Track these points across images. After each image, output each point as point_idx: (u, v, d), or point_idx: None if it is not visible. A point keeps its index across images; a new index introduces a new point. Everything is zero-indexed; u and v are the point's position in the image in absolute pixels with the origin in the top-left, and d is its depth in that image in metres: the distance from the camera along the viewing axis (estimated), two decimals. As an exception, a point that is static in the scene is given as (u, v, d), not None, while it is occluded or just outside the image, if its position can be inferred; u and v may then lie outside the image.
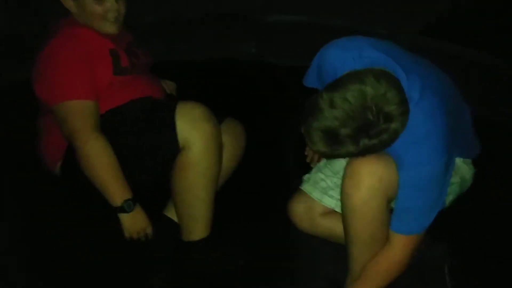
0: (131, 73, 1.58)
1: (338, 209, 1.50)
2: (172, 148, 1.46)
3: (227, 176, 1.71)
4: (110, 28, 1.56)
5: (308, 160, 1.82)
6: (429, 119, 1.22)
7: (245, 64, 2.53)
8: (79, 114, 1.46)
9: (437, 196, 1.29)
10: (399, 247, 1.33)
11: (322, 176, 1.55)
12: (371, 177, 1.27)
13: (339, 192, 1.47)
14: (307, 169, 1.64)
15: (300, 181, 1.60)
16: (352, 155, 1.19)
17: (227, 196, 1.71)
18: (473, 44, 2.45)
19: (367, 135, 1.11)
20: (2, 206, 1.78)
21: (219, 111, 1.67)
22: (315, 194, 1.53)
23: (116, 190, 1.47)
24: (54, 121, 1.52)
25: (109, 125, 1.51)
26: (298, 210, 1.55)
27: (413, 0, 2.70)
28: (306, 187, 1.56)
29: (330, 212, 1.53)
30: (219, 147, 1.52)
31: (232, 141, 1.67)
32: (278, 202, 1.64)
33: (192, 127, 1.45)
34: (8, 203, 1.80)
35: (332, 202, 1.52)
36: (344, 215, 1.37)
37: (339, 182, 1.50)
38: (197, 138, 1.44)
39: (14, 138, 1.93)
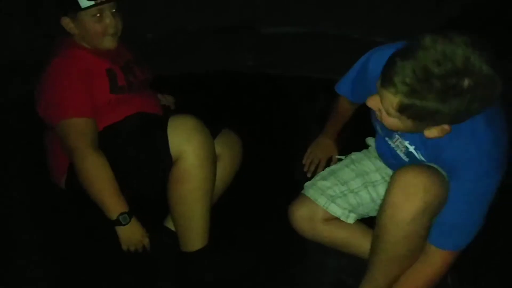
0: (128, 91, 1.59)
1: (344, 218, 1.49)
2: (166, 161, 1.45)
3: (224, 187, 1.68)
4: (109, 43, 1.57)
5: (305, 169, 1.80)
6: (493, 134, 1.14)
7: (243, 76, 2.50)
8: (77, 131, 1.46)
9: (484, 213, 1.23)
10: (441, 262, 1.27)
11: (328, 184, 1.52)
12: (427, 192, 1.18)
13: (346, 201, 1.49)
14: (306, 179, 1.61)
15: (298, 190, 1.57)
16: (427, 118, 1.04)
17: (225, 206, 1.69)
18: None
19: (457, 89, 0.97)
20: (10, 218, 1.77)
21: (218, 123, 1.66)
22: (321, 201, 1.49)
23: (112, 204, 1.47)
24: (57, 138, 1.52)
25: (106, 141, 1.51)
26: (300, 215, 1.51)
27: (413, 10, 2.68)
28: (310, 193, 1.52)
29: (332, 219, 1.50)
30: (213, 159, 1.50)
31: (229, 152, 1.64)
32: (276, 211, 1.60)
33: (184, 140, 1.43)
34: (15, 215, 1.79)
35: (338, 210, 1.49)
36: (383, 226, 1.26)
37: (347, 191, 1.50)
38: (190, 150, 1.43)
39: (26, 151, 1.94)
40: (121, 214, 1.47)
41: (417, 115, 1.05)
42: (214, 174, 1.53)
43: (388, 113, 1.10)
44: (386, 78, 1.04)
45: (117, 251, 1.53)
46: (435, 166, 1.26)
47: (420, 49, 0.98)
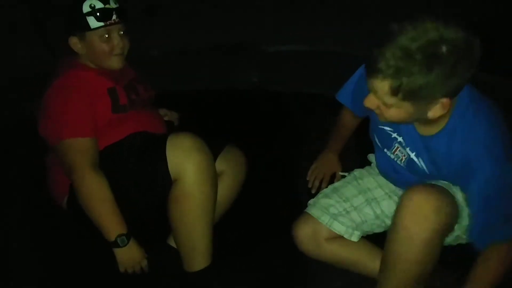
0: (129, 109, 1.53)
1: (347, 236, 1.42)
2: (165, 181, 1.39)
3: (228, 203, 1.61)
4: (116, 63, 1.51)
5: (309, 185, 1.73)
6: (489, 128, 1.14)
7: (248, 93, 2.46)
8: (77, 151, 1.41)
9: None
10: (499, 255, 1.18)
11: (331, 202, 1.45)
12: (438, 214, 1.13)
13: (349, 219, 1.42)
14: (310, 196, 1.54)
15: (302, 207, 1.50)
16: (421, 94, 1.03)
17: (229, 223, 1.61)
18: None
19: (437, 56, 0.99)
20: (13, 240, 1.70)
21: (221, 140, 1.61)
22: (324, 219, 1.42)
23: (110, 226, 1.41)
24: (58, 159, 1.47)
25: (106, 161, 1.45)
26: (304, 233, 1.43)
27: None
28: (313, 211, 1.44)
29: (336, 237, 1.42)
30: (213, 177, 1.43)
31: (232, 169, 1.58)
32: (280, 228, 1.53)
33: (183, 159, 1.37)
34: (18, 235, 1.72)
35: (342, 228, 1.42)
36: (394, 251, 1.21)
37: (350, 209, 1.44)
38: (189, 169, 1.37)
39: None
40: (119, 236, 1.41)
41: (411, 94, 1.03)
42: (215, 192, 1.45)
43: (386, 104, 1.08)
44: (371, 69, 1.05)
45: (118, 271, 1.46)
46: (441, 182, 1.22)
47: (392, 35, 1.01)
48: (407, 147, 1.27)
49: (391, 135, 1.30)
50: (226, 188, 1.56)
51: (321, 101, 2.32)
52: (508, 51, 2.39)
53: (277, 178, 1.91)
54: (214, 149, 1.48)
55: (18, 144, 2.02)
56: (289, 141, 2.12)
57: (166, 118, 1.79)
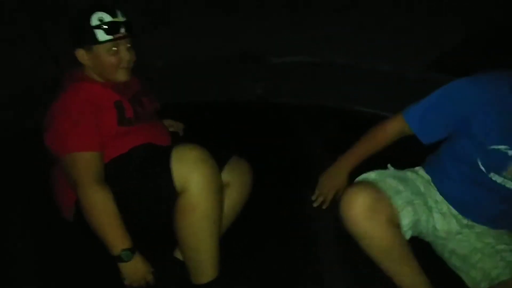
0: (135, 122, 1.51)
1: (405, 229, 1.30)
2: (171, 193, 1.36)
3: (235, 215, 1.58)
4: (122, 75, 1.50)
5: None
6: None
7: (252, 105, 2.46)
8: (82, 165, 1.38)
9: None
10: None
11: (400, 187, 1.33)
12: None
13: (415, 211, 1.32)
14: (315, 208, 1.50)
15: (307, 218, 1.48)
16: None
17: (235, 235, 1.59)
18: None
19: None
20: (19, 253, 1.69)
21: (227, 151, 1.59)
22: (397, 201, 1.29)
23: (114, 240, 1.38)
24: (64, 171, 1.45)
25: (111, 174, 1.43)
26: (362, 207, 1.24)
27: (413, 40, 2.65)
28: (385, 187, 1.30)
29: (391, 223, 1.27)
30: (218, 188, 1.40)
31: (238, 180, 1.55)
32: (288, 239, 1.52)
33: (188, 170, 1.34)
34: (23, 249, 1.71)
35: (407, 218, 1.29)
36: None
37: (417, 201, 1.35)
38: (194, 181, 1.34)
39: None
40: (124, 250, 1.38)
41: None
42: (221, 204, 1.43)
43: None
44: None
45: (123, 285, 1.43)
46: None
47: None
48: None
49: (507, 153, 1.23)
50: (232, 199, 1.54)
51: (327, 113, 2.32)
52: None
53: (283, 190, 1.89)
54: (219, 160, 1.46)
55: (23, 154, 2.02)
56: (294, 152, 2.10)
57: (171, 129, 1.78)
